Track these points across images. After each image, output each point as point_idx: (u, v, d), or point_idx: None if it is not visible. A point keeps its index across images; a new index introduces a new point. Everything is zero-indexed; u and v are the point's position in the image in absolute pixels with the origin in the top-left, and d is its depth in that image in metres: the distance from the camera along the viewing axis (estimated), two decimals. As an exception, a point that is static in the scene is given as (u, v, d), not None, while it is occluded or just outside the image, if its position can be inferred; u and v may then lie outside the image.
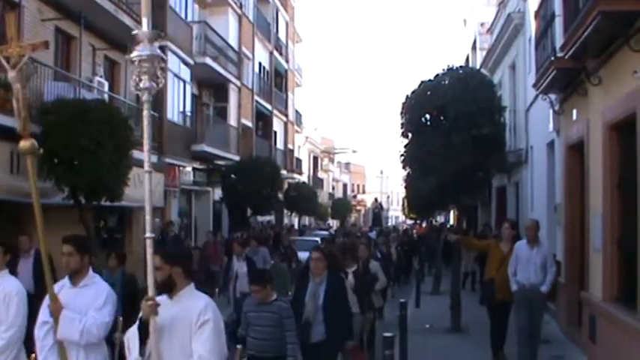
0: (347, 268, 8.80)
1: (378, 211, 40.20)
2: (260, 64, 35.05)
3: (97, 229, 15.93)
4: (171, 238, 19.30)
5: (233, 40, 29.00)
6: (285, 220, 41.08)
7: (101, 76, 17.39)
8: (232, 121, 28.60)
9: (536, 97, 14.15)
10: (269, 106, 36.36)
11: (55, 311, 4.61)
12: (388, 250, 17.45)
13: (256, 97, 33.26)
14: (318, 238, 24.39)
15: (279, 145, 39.33)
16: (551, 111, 12.55)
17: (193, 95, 24.41)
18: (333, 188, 68.81)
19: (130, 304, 6.69)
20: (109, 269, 8.84)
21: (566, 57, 9.28)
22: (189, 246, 20.21)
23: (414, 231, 36.76)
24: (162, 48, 20.26)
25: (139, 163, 16.51)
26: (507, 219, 11.59)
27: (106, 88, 17.23)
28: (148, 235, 4.08)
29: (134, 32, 4.04)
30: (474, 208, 25.31)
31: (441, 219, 40.49)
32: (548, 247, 9.75)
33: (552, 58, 10.19)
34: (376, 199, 43.24)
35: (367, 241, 12.52)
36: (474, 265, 18.73)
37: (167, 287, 4.06)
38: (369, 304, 9.56)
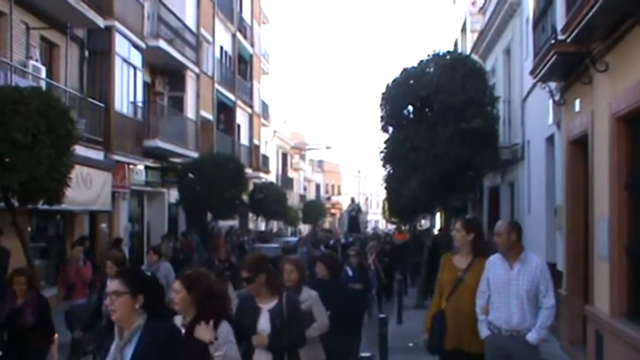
0: (261, 302, 5.91)
1: (355, 215, 39.89)
2: (221, 48, 34.88)
3: (33, 235, 15.65)
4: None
5: (190, 21, 28.81)
6: (251, 226, 40.93)
7: (37, 60, 17.08)
8: (190, 113, 28.42)
9: (534, 85, 14.12)
10: (232, 96, 36.20)
11: None
12: (363, 264, 13.37)
13: (217, 86, 33.09)
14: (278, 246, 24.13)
15: (244, 140, 39.19)
16: (550, 101, 12.52)
17: (145, 83, 24.20)
18: (305, 189, 68.84)
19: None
20: None
21: (569, 40, 9.24)
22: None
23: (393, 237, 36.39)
24: (109, 29, 20.04)
25: (83, 161, 16.47)
26: (461, 216, 8.28)
27: (43, 74, 16.93)
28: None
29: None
30: (463, 211, 25.31)
31: (426, 223, 40.63)
32: (543, 262, 6.69)
33: (552, 42, 10.13)
34: (353, 200, 43.06)
35: (328, 259, 8.75)
36: None
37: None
38: None
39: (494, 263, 6.67)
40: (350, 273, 11.89)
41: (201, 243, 24.21)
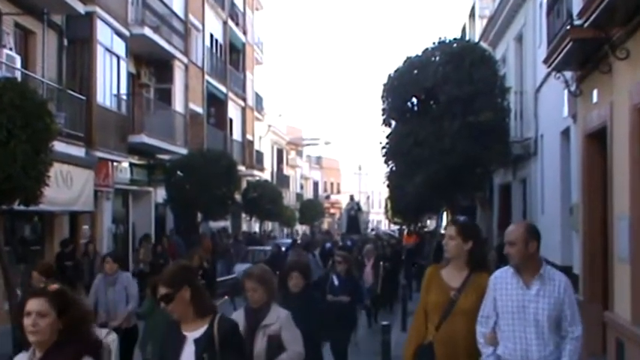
0: (186, 328, 4.68)
1: (355, 214, 39.62)
2: (212, 36, 34.79)
3: (8, 238, 15.57)
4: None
5: (178, 7, 28.75)
6: (244, 227, 40.88)
7: (11, 49, 16.98)
8: (178, 106, 28.34)
9: (548, 75, 14.09)
10: (223, 88, 36.12)
11: None
12: (352, 272, 11.86)
13: (207, 77, 33.00)
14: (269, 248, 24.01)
15: (236, 135, 39.12)
16: (566, 92, 12.51)
17: (130, 74, 24.10)
18: (302, 187, 68.84)
19: None
20: None
21: (586, 25, 9.21)
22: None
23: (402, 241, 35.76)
24: (89, 15, 19.95)
25: (62, 158, 16.35)
26: (455, 219, 6.46)
27: (18, 64, 16.82)
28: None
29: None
30: (472, 210, 25.30)
31: (431, 224, 40.58)
32: (566, 279, 5.48)
33: (568, 27, 10.09)
34: (352, 198, 42.69)
35: (303, 267, 7.73)
36: None
37: None
38: None
39: (504, 280, 5.43)
40: (336, 282, 11.12)
41: (183, 245, 23.82)
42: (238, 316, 5.83)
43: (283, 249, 23.01)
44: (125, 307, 10.07)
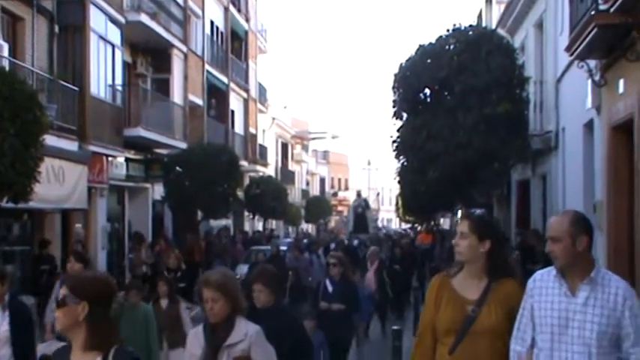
0: (75, 357, 3.85)
1: (362, 211, 39.53)
2: (212, 23, 34.78)
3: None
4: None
5: (177, -8, 28.64)
6: (247, 226, 40.89)
7: (-3, 36, 17.01)
8: (177, 97, 28.34)
9: (570, 64, 14.08)
10: (224, 79, 36.13)
11: None
12: (348, 277, 11.05)
13: (208, 67, 32.99)
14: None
15: (238, 128, 39.14)
16: (589, 82, 12.46)
17: (125, 64, 24.12)
18: (308, 184, 68.88)
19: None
20: None
21: (612, 10, 9.16)
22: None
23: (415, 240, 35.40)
24: (82, 0, 19.91)
25: (53, 152, 16.32)
26: (467, 213, 5.69)
27: (6, 52, 16.83)
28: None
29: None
30: (489, 208, 25.24)
31: (445, 222, 40.51)
32: (628, 287, 4.57)
33: (592, 13, 10.04)
34: (359, 194, 42.48)
35: (271, 275, 6.63)
36: None
37: None
38: None
39: (544, 285, 4.62)
40: (329, 288, 10.35)
41: (174, 244, 23.37)
42: (196, 334, 5.26)
43: (284, 248, 22.67)
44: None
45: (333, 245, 24.35)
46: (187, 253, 21.21)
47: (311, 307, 10.48)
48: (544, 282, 4.60)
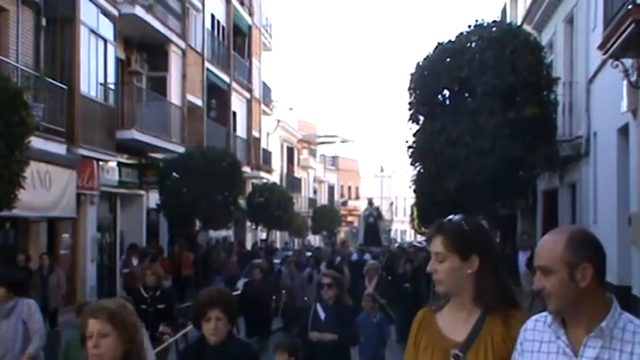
0: None
1: (374, 221, 39.28)
2: (213, 17, 34.91)
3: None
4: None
5: (175, -16, 28.70)
6: (249, 237, 40.91)
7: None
8: (174, 97, 28.44)
9: (604, 63, 14.11)
10: (226, 77, 36.24)
11: None
12: (342, 300, 9.39)
13: (208, 65, 33.11)
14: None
15: (240, 131, 39.23)
16: (624, 83, 12.49)
17: (118, 60, 24.21)
18: (315, 192, 68.97)
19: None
20: None
21: (651, 4, 9.05)
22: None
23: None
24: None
25: (40, 156, 16.28)
26: (439, 222, 4.22)
27: (-11, 48, 16.87)
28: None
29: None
30: (512, 219, 25.16)
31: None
32: None
33: (630, 7, 10.02)
34: (371, 202, 42.13)
35: (229, 300, 5.64)
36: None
37: None
38: None
39: (537, 337, 3.36)
40: (321, 314, 8.98)
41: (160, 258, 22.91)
42: None
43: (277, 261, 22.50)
44: (25, 348, 8.61)
45: (338, 259, 23.04)
46: (176, 267, 21.12)
47: (297, 336, 9.38)
48: (537, 334, 3.38)
